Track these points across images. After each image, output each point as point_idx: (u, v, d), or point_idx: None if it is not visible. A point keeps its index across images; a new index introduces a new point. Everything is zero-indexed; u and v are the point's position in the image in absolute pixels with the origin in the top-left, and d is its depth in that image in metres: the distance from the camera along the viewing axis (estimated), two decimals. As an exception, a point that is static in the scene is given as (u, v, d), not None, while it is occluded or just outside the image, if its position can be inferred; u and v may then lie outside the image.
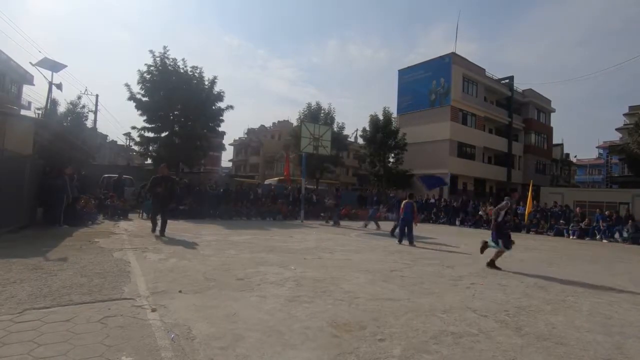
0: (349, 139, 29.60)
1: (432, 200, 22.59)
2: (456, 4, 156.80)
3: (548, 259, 8.46)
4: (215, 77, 19.84)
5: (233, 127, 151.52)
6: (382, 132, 27.48)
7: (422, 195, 23.66)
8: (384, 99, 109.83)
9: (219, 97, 19.94)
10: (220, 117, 20.46)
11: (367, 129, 28.62)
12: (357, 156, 36.48)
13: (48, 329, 2.84)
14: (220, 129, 21.57)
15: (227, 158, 62.69)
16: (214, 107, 19.92)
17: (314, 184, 26.44)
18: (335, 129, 25.41)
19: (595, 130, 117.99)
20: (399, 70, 34.78)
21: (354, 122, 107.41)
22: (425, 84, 31.96)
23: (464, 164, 30.96)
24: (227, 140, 55.90)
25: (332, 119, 27.01)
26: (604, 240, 14.20)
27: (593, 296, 4.88)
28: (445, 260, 7.36)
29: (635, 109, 34.94)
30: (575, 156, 58.26)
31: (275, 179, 31.24)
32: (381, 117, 28.30)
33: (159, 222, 9.14)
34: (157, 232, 8.92)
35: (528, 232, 16.47)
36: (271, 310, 3.65)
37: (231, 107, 20.47)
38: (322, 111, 27.10)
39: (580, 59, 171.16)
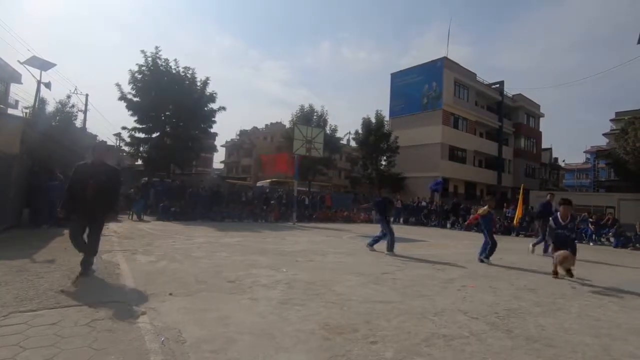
0: (341, 142, 29.64)
1: (424, 203, 22.75)
2: (451, 7, 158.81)
3: (537, 261, 8.56)
4: (207, 78, 19.79)
5: (225, 128, 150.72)
6: (374, 135, 27.61)
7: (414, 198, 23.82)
8: (377, 102, 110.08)
9: (211, 98, 19.87)
10: (212, 119, 20.39)
11: (360, 131, 28.74)
12: (349, 159, 36.57)
13: (34, 333, 2.78)
14: (212, 130, 21.52)
15: (219, 159, 62.30)
16: (206, 108, 19.85)
17: (306, 186, 26.43)
18: (327, 131, 25.45)
19: (583, 135, 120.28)
20: (391, 74, 35.07)
21: (347, 124, 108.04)
22: (417, 88, 32.26)
23: (455, 167, 31.28)
24: (219, 142, 55.61)
25: (325, 122, 27.03)
26: (591, 244, 14.44)
27: (582, 298, 4.94)
28: (436, 263, 7.40)
29: (621, 115, 35.73)
30: (564, 160, 59.36)
31: (268, 180, 31.13)
32: (374, 120, 28.45)
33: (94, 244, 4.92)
34: (81, 268, 4.60)
35: (517, 235, 16.66)
36: (263, 313, 3.63)
37: (223, 108, 20.44)
38: (315, 113, 27.13)
39: (570, 65, 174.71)
